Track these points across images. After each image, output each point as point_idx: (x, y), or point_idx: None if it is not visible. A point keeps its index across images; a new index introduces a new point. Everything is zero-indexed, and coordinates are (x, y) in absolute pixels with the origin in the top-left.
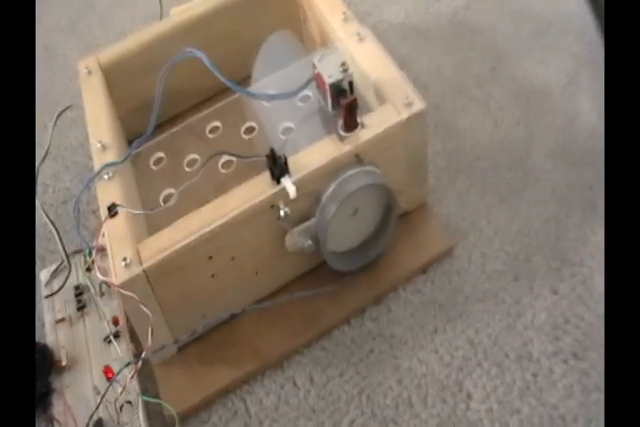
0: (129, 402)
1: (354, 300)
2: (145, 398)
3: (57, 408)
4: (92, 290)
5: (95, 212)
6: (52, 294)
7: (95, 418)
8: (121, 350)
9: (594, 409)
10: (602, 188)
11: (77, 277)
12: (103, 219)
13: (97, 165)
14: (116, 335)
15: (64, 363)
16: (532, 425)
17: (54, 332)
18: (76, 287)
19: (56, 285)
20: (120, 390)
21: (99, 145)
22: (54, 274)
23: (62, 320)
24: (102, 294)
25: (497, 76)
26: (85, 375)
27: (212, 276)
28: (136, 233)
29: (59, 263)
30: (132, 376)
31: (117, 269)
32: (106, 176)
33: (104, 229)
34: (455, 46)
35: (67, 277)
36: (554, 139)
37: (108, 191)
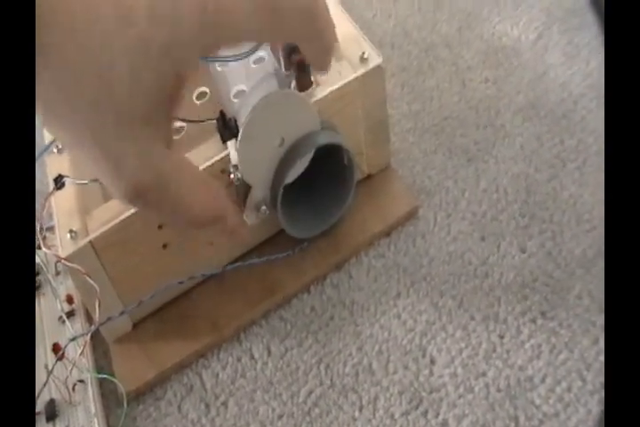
0: (81, 381)
1: (314, 267)
2: (95, 375)
3: None
4: (45, 268)
5: None
6: None
7: (47, 398)
8: (75, 328)
9: (562, 369)
10: (572, 142)
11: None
12: (50, 191)
13: (47, 140)
14: (71, 314)
15: None
16: (498, 388)
17: None
18: None
19: None
20: (70, 367)
21: None
22: None
23: None
24: (58, 273)
25: (465, 36)
26: (39, 357)
27: (164, 246)
28: (86, 205)
29: None
30: (82, 352)
31: (64, 241)
32: (55, 150)
33: (51, 202)
34: (422, 8)
35: None
36: (523, 94)
37: (56, 164)
